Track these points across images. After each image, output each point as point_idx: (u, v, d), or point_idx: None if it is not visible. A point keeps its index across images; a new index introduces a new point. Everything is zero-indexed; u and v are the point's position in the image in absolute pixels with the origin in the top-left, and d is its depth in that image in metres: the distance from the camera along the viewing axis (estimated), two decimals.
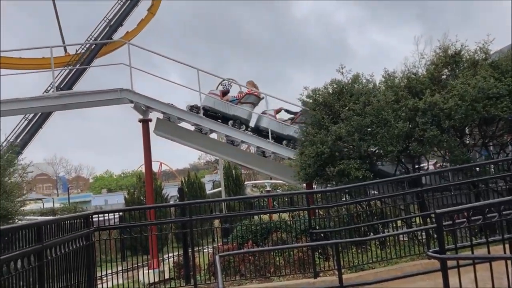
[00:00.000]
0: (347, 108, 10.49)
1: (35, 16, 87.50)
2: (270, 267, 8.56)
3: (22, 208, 10.41)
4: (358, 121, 10.05)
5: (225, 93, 13.96)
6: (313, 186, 11.73)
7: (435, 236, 8.06)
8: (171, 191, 30.63)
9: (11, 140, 26.11)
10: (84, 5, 79.39)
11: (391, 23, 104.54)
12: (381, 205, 9.33)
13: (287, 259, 8.65)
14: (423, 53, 11.25)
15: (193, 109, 13.52)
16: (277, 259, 8.73)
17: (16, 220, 9.31)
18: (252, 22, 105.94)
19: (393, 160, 10.68)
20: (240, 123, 13.53)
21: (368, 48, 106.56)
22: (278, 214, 10.11)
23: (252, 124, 13.94)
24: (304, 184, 12.01)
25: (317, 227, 8.93)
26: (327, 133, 10.30)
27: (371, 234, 9.46)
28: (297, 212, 9.25)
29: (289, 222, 9.88)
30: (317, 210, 9.11)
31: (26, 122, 27.96)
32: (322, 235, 8.80)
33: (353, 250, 8.72)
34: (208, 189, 37.27)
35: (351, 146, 10.38)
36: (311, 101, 11.24)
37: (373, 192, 9.61)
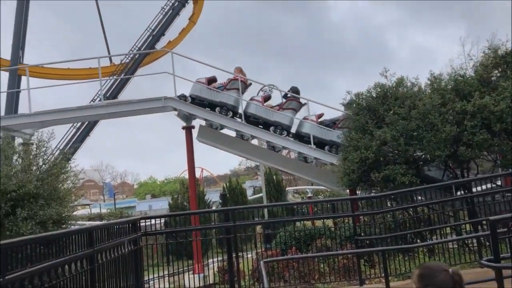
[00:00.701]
0: (391, 112, 10.29)
1: (78, 30, 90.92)
2: (315, 273, 8.48)
3: (74, 213, 10.83)
4: (404, 125, 9.84)
5: (212, 80, 13.63)
6: (357, 192, 11.55)
7: (487, 244, 7.76)
8: (212, 196, 31.04)
9: (60, 147, 27.19)
10: (127, 17, 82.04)
11: (433, 23, 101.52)
12: (428, 212, 9.07)
13: (332, 266, 8.55)
14: (470, 54, 10.92)
15: (181, 97, 13.46)
16: (322, 265, 8.64)
17: (69, 225, 9.70)
18: (288, 27, 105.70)
19: (441, 165, 10.37)
20: (227, 109, 13.26)
21: (409, 50, 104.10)
22: (322, 220, 10.02)
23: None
24: (348, 190, 11.84)
25: (362, 234, 8.78)
26: (371, 138, 10.13)
27: (418, 241, 9.21)
28: (341, 218, 9.14)
29: (332, 228, 9.76)
30: (361, 217, 8.97)
31: (75, 130, 29.05)
32: (367, 242, 8.65)
33: (399, 258, 8.51)
34: (249, 194, 37.45)
35: (397, 151, 10.16)
36: (354, 105, 11.11)
37: (419, 198, 9.36)
